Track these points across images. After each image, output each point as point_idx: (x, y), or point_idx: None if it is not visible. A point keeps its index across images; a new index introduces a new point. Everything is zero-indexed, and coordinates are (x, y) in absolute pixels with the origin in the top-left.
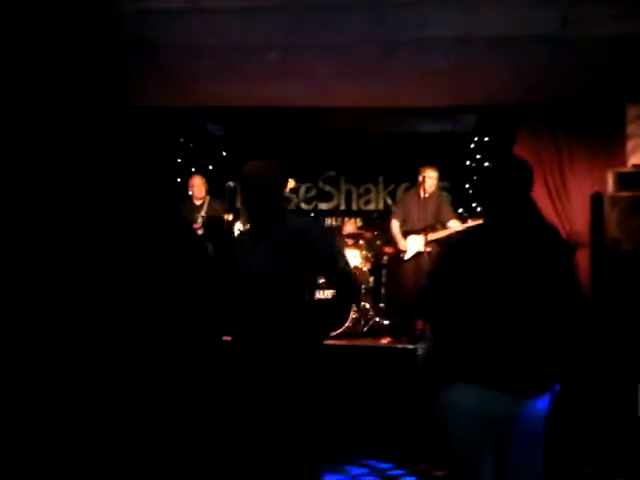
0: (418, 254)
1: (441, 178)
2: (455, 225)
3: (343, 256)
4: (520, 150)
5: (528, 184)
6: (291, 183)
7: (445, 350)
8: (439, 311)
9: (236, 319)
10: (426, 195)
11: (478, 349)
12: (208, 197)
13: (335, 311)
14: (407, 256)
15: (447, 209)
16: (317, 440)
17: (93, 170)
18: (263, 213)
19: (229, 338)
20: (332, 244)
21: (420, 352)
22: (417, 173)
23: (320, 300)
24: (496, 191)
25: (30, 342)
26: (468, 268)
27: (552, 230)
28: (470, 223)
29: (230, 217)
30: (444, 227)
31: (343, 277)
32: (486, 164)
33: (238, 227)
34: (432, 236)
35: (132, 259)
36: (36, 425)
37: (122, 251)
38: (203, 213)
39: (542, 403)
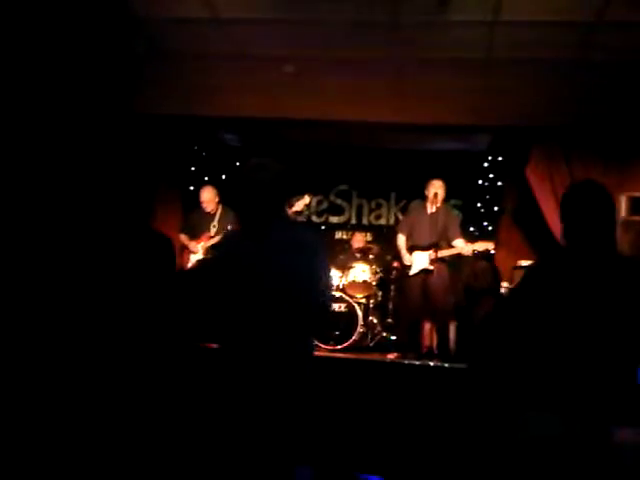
0: (424, 271)
1: (453, 196)
2: (461, 245)
3: (328, 277)
4: (533, 171)
5: (612, 214)
6: (306, 199)
7: (514, 377)
8: (507, 336)
9: (236, 325)
10: (434, 210)
11: (554, 377)
12: (221, 206)
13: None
14: (412, 272)
15: (455, 227)
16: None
17: (92, 175)
18: (265, 213)
19: (220, 344)
20: (325, 258)
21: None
22: (425, 188)
23: None
24: (579, 221)
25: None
26: (547, 297)
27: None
28: (477, 245)
29: None
30: (449, 245)
31: (320, 296)
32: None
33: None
34: (439, 254)
35: (104, 264)
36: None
37: (95, 255)
38: (215, 222)
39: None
